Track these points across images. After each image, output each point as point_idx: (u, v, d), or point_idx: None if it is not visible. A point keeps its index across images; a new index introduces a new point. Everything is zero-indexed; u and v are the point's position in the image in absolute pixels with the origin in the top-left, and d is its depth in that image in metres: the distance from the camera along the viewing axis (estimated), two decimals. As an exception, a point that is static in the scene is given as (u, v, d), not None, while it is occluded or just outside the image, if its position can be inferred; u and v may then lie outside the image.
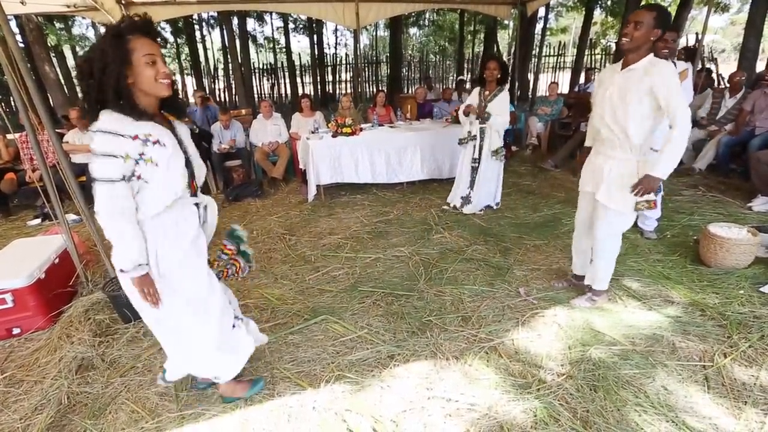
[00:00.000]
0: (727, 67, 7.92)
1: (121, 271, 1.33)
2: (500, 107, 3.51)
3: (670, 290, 2.43)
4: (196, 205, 1.48)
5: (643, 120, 1.93)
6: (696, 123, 5.02)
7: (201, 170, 1.51)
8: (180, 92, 16.41)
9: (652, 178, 1.88)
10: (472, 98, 3.69)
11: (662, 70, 1.85)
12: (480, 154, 3.68)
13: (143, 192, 1.32)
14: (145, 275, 1.36)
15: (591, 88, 7.71)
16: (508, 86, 3.63)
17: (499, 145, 3.64)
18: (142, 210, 1.33)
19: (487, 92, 3.56)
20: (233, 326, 1.67)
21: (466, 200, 3.85)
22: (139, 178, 1.29)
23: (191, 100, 6.29)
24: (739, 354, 1.89)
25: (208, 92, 16.03)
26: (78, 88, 1.24)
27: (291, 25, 17.68)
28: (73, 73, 14.84)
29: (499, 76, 3.48)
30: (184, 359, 1.66)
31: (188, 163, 1.41)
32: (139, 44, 1.26)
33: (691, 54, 4.39)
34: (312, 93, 16.94)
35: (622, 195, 2.01)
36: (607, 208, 2.08)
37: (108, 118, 1.24)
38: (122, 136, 1.24)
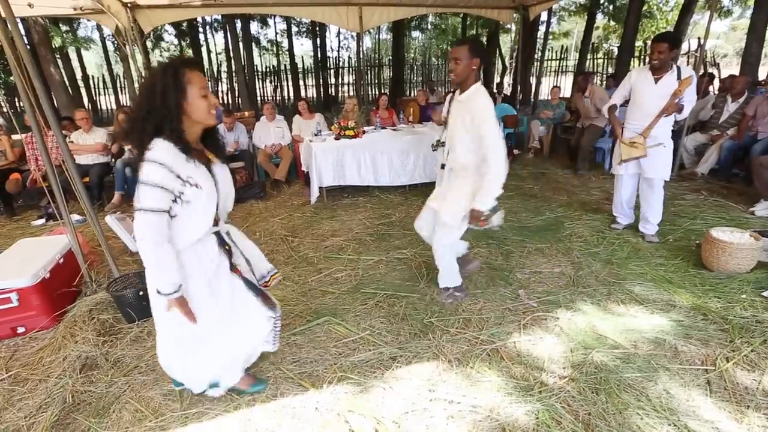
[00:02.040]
0: (729, 72, 7.91)
1: (164, 294, 1.37)
2: None
3: (673, 294, 2.44)
4: (216, 233, 1.55)
5: (470, 146, 2.10)
6: (700, 127, 5.03)
7: (229, 201, 1.59)
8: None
9: (476, 210, 2.07)
10: (445, 106, 3.54)
11: (476, 102, 2.02)
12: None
13: (173, 226, 1.39)
14: (182, 296, 1.41)
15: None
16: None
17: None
18: (174, 240, 1.40)
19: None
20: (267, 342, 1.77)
21: None
22: (169, 213, 1.36)
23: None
24: (741, 358, 1.89)
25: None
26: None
27: (294, 28, 17.78)
28: (79, 75, 14.93)
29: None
30: (197, 372, 1.70)
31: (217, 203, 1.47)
32: (194, 77, 1.34)
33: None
34: (314, 96, 17.03)
35: (453, 209, 2.20)
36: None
37: (163, 150, 1.29)
38: (172, 172, 1.30)
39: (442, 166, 3.53)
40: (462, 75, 2.06)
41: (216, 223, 1.53)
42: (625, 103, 3.17)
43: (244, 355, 1.75)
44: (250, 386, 1.82)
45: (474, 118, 2.01)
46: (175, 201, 1.34)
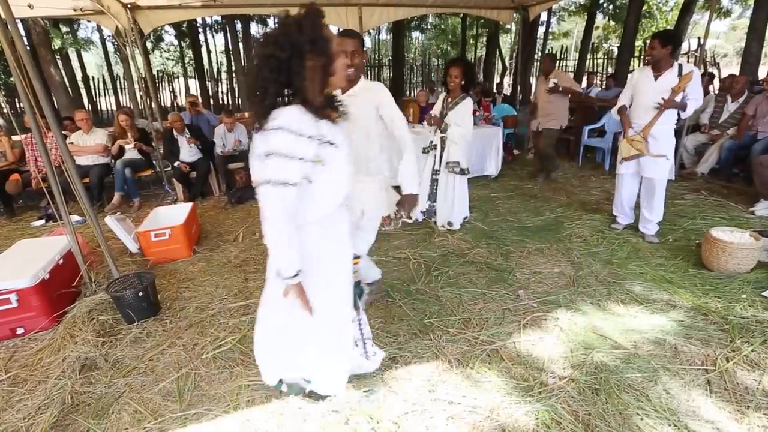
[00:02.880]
0: (729, 71, 7.92)
1: (285, 277, 1.26)
2: (460, 117, 3.22)
3: (673, 294, 2.43)
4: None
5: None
6: (699, 128, 5.03)
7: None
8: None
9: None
10: (437, 105, 3.45)
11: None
12: (441, 165, 3.42)
13: (308, 194, 1.26)
14: (300, 283, 1.30)
15: (593, 92, 7.74)
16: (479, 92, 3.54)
17: (456, 158, 3.32)
18: (303, 214, 1.27)
19: (450, 99, 3.29)
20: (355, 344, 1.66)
21: (428, 214, 3.62)
22: (308, 180, 1.24)
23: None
24: (741, 358, 1.88)
25: (210, 95, 16.14)
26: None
27: (294, 29, 17.77)
28: (79, 76, 14.93)
29: (462, 82, 3.19)
30: (297, 361, 1.58)
31: None
32: (335, 38, 1.25)
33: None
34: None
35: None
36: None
37: (293, 115, 1.16)
38: (303, 136, 1.17)
39: (435, 172, 3.53)
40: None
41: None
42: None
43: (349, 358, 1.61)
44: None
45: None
46: (307, 165, 1.21)
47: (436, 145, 3.43)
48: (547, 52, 13.03)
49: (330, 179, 1.29)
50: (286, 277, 1.25)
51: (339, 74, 1.26)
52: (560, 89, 4.46)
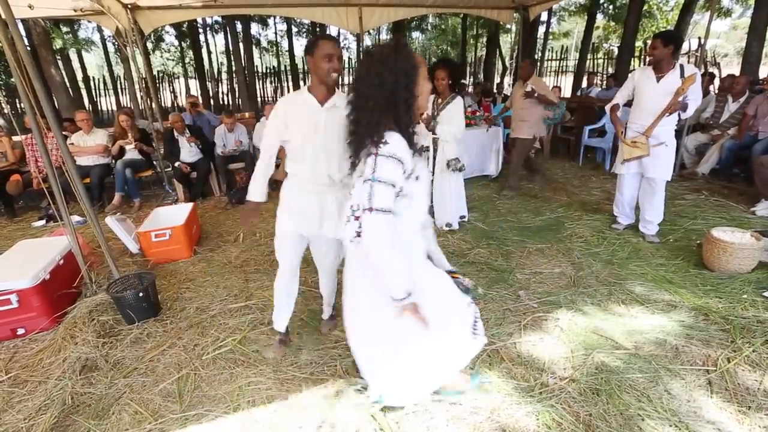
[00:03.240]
0: (730, 71, 7.91)
1: (398, 300, 1.27)
2: (450, 116, 3.22)
3: (674, 294, 2.43)
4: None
5: None
6: (700, 127, 5.03)
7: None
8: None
9: None
10: (428, 108, 3.43)
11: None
12: (434, 166, 3.41)
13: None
14: (414, 302, 1.30)
15: (593, 93, 7.73)
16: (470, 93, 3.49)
17: (452, 156, 3.33)
18: None
19: (440, 101, 3.30)
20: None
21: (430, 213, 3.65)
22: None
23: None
24: (742, 358, 1.88)
25: (211, 95, 16.14)
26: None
27: (294, 29, 17.82)
28: (80, 76, 14.94)
29: (450, 83, 3.20)
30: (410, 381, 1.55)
31: None
32: (422, 62, 1.26)
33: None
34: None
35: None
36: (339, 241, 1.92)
37: (398, 142, 1.20)
38: (403, 166, 1.20)
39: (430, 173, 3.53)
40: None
41: None
42: (629, 103, 3.17)
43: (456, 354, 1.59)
44: (470, 382, 1.75)
45: None
46: (397, 195, 1.23)
47: (428, 147, 3.41)
48: (534, 56, 12.98)
49: (412, 211, 1.33)
50: (399, 299, 1.26)
51: (422, 100, 1.29)
52: (536, 95, 4.19)
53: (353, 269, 1.46)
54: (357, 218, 1.26)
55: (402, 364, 1.51)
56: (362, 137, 1.24)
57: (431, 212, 3.59)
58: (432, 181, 3.48)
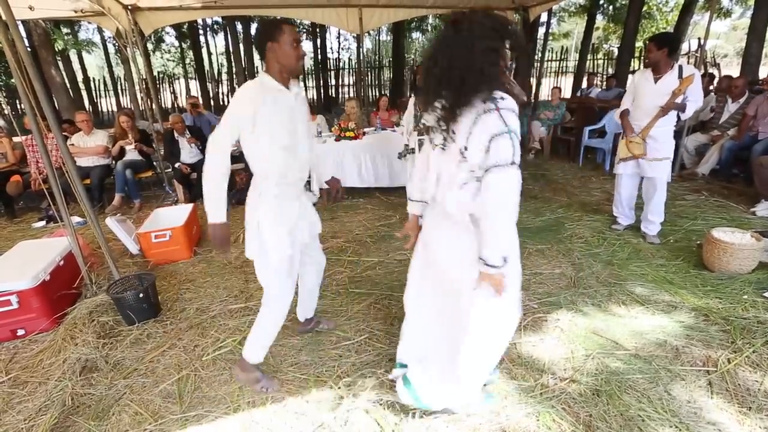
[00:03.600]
0: (729, 72, 7.92)
1: (495, 267, 1.26)
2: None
3: (674, 295, 2.43)
4: None
5: None
6: (700, 127, 5.03)
7: None
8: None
9: None
10: (409, 110, 3.42)
11: None
12: None
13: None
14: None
15: (593, 93, 7.73)
16: None
17: None
18: None
19: None
20: None
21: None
22: None
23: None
24: (743, 359, 1.88)
25: (211, 96, 16.15)
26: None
27: (294, 30, 17.78)
28: (80, 77, 14.95)
29: None
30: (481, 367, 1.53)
31: None
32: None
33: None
34: (315, 97, 17.05)
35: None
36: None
37: (509, 98, 1.23)
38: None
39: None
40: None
41: None
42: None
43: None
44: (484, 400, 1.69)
45: None
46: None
47: (413, 149, 3.38)
48: (534, 56, 12.95)
49: None
50: (498, 266, 1.26)
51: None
52: None
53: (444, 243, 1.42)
54: (462, 185, 1.27)
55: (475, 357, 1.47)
56: (470, 97, 1.22)
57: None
58: None
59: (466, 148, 1.25)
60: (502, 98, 1.22)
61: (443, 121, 1.29)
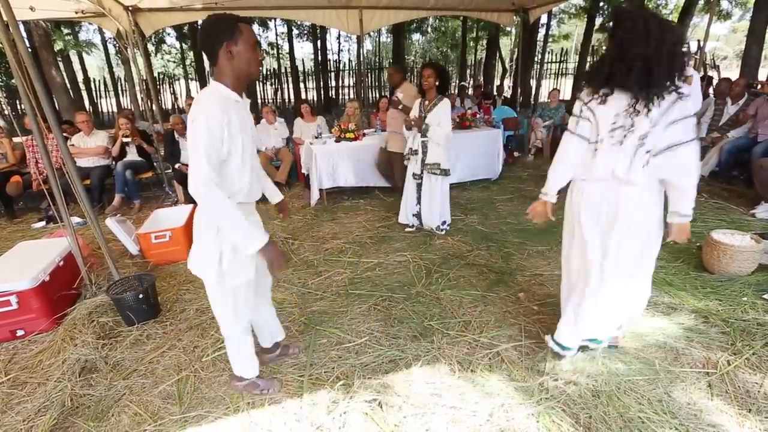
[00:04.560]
0: (729, 74, 7.94)
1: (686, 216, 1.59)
2: (439, 117, 3.19)
3: (674, 297, 2.43)
4: None
5: None
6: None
7: None
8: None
9: None
10: (414, 110, 3.41)
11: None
12: (422, 169, 3.38)
13: None
14: None
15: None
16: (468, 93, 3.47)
17: (437, 160, 3.28)
18: None
19: (426, 102, 3.27)
20: None
21: (419, 216, 3.58)
22: None
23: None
24: (742, 361, 1.88)
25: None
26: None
27: (295, 31, 17.84)
28: (81, 78, 14.95)
29: (437, 83, 3.18)
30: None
31: None
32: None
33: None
34: (315, 98, 17.07)
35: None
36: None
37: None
38: None
39: (416, 176, 3.47)
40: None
41: None
42: None
43: None
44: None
45: None
46: None
47: (416, 150, 3.38)
48: (534, 58, 12.94)
49: None
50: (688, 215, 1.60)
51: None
52: (400, 107, 3.73)
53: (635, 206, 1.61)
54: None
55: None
56: (662, 80, 1.44)
57: (419, 215, 3.59)
58: (420, 184, 3.45)
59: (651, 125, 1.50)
60: (683, 84, 1.48)
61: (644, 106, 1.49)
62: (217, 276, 1.49)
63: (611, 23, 1.54)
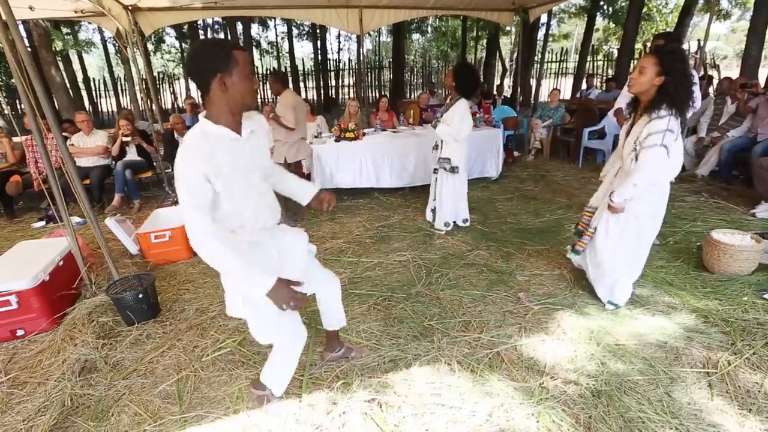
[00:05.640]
0: (729, 74, 7.93)
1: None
2: (451, 117, 3.23)
3: (674, 296, 2.43)
4: None
5: None
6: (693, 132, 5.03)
7: None
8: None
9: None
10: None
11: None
12: (437, 163, 3.45)
13: None
14: None
15: (593, 94, 7.74)
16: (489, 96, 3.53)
17: (447, 155, 3.33)
18: None
19: (449, 101, 3.37)
20: None
21: (435, 212, 3.62)
22: None
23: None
24: (743, 361, 1.88)
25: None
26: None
27: (295, 31, 17.83)
28: (80, 77, 14.95)
29: (454, 84, 3.21)
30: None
31: None
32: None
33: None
34: (315, 98, 17.06)
35: None
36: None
37: None
38: None
39: (435, 170, 3.54)
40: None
41: None
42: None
43: None
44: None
45: None
46: None
47: (437, 144, 3.47)
48: (534, 57, 12.91)
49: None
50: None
51: None
52: (271, 116, 3.56)
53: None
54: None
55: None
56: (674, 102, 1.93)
57: (432, 211, 3.64)
58: (436, 179, 3.53)
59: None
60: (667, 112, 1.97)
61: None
62: (251, 311, 1.44)
63: (672, 58, 1.93)
